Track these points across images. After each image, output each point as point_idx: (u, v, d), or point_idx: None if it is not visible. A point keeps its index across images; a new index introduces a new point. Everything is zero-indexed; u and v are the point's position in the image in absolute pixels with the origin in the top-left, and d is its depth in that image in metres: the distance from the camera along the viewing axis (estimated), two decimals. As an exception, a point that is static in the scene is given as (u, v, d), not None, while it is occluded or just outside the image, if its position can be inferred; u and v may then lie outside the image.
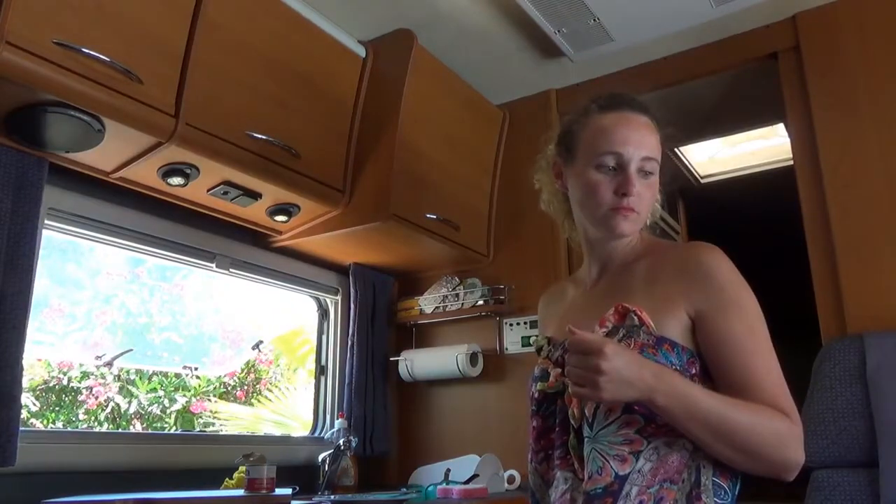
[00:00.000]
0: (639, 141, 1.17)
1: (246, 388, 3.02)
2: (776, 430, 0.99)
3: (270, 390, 3.12)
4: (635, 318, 1.06)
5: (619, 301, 1.09)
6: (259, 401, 3.06)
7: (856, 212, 2.04)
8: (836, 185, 2.09)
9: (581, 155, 1.22)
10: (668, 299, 1.09)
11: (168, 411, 2.64)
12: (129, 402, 2.54)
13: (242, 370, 3.02)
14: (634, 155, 1.16)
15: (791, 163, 2.26)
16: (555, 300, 1.39)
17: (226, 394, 2.93)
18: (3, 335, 1.53)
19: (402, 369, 2.62)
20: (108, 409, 2.48)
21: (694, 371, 1.05)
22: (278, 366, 3.20)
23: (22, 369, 1.56)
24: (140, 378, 2.59)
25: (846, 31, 2.16)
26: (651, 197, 1.19)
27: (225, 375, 2.95)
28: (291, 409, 3.09)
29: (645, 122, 1.21)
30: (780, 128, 3.06)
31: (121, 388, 2.53)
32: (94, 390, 2.45)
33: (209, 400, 2.83)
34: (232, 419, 2.91)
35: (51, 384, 2.37)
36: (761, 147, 3.39)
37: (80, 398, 2.43)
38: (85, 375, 2.44)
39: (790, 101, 2.25)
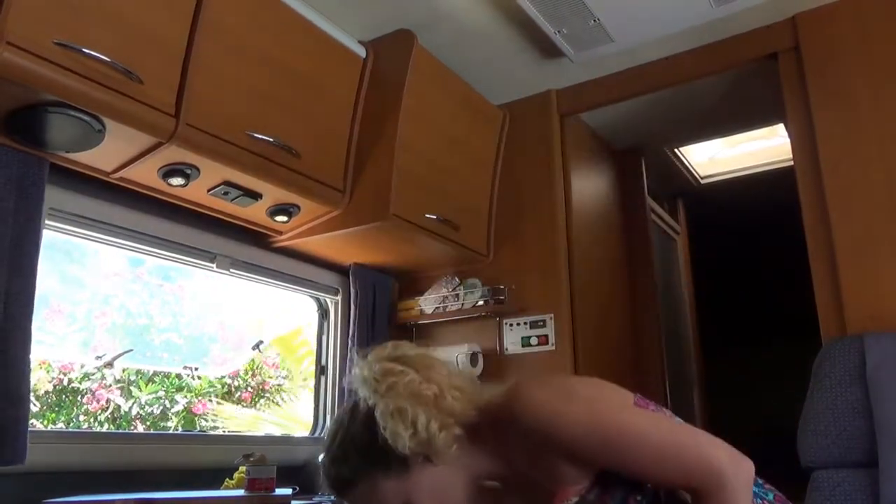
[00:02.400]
0: None
1: (251, 390, 3.02)
2: None
3: (279, 392, 3.11)
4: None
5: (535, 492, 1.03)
6: (267, 406, 3.06)
7: (856, 212, 2.04)
8: (836, 185, 2.09)
9: None
10: (549, 467, 1.01)
11: (170, 412, 2.64)
12: (131, 405, 2.54)
13: (247, 371, 3.01)
14: None
15: (791, 163, 2.26)
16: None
17: (228, 394, 2.93)
18: (9, 335, 1.53)
19: (402, 369, 2.61)
20: (109, 411, 2.48)
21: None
22: (286, 371, 3.19)
23: (29, 368, 1.57)
24: (141, 378, 2.58)
25: (846, 31, 2.16)
26: (421, 499, 1.03)
27: (227, 376, 2.95)
28: (294, 413, 3.08)
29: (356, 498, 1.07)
30: (780, 128, 3.06)
31: (122, 389, 2.53)
32: (97, 393, 2.45)
33: (210, 400, 2.83)
34: (231, 419, 2.91)
35: (51, 384, 2.37)
36: (761, 147, 3.39)
37: (83, 400, 2.43)
38: (85, 376, 2.44)
39: (790, 102, 2.25)
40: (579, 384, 1.09)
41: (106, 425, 2.46)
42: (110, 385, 2.51)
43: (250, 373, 3.03)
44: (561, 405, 0.99)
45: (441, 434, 1.01)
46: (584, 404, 1.00)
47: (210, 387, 2.86)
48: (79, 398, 2.44)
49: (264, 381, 3.06)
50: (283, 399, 3.12)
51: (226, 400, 2.91)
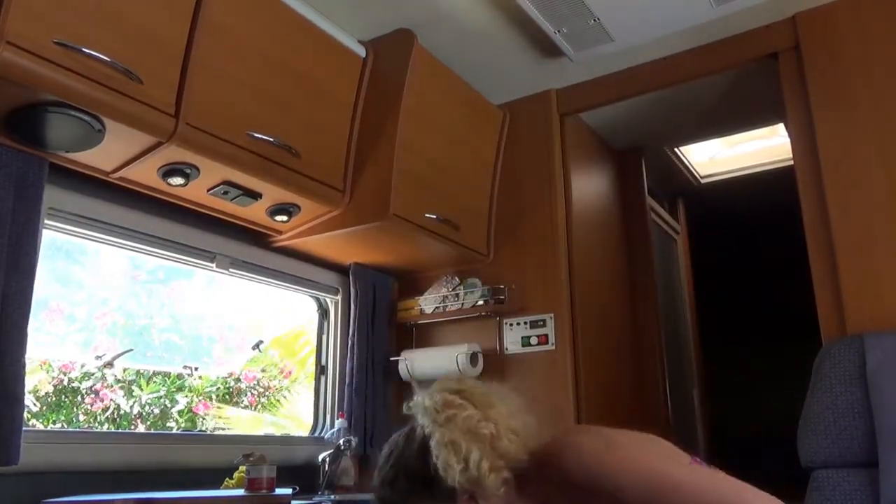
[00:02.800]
0: None
1: (257, 393, 3.01)
2: None
3: (284, 396, 3.11)
4: None
5: None
6: (271, 406, 3.05)
7: (856, 212, 2.04)
8: (836, 185, 2.09)
9: None
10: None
11: (170, 412, 2.64)
12: (132, 405, 2.53)
13: (258, 381, 3.01)
14: None
15: (791, 163, 2.26)
16: None
17: (229, 395, 2.93)
18: (5, 335, 1.53)
19: (402, 369, 2.62)
20: (109, 411, 2.48)
21: None
22: (294, 378, 3.19)
23: (24, 368, 1.56)
24: (141, 378, 2.58)
25: (846, 30, 2.16)
26: None
27: (228, 376, 2.95)
28: (295, 414, 3.08)
29: None
30: (780, 128, 3.06)
31: (123, 389, 2.53)
32: (101, 393, 2.45)
33: (210, 399, 2.83)
34: (231, 420, 2.91)
35: (52, 384, 2.37)
36: (761, 147, 3.39)
37: (86, 400, 2.43)
38: (86, 376, 2.44)
39: (790, 101, 2.25)
40: (630, 435, 1.09)
41: (106, 425, 2.46)
42: (112, 385, 2.51)
43: (257, 377, 3.03)
44: (615, 454, 1.01)
45: (491, 475, 1.03)
46: (636, 454, 1.02)
47: (211, 386, 2.86)
48: (79, 398, 2.44)
49: (269, 386, 3.06)
50: (284, 398, 3.12)
51: (226, 403, 2.91)
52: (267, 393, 3.03)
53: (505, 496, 1.06)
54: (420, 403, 1.14)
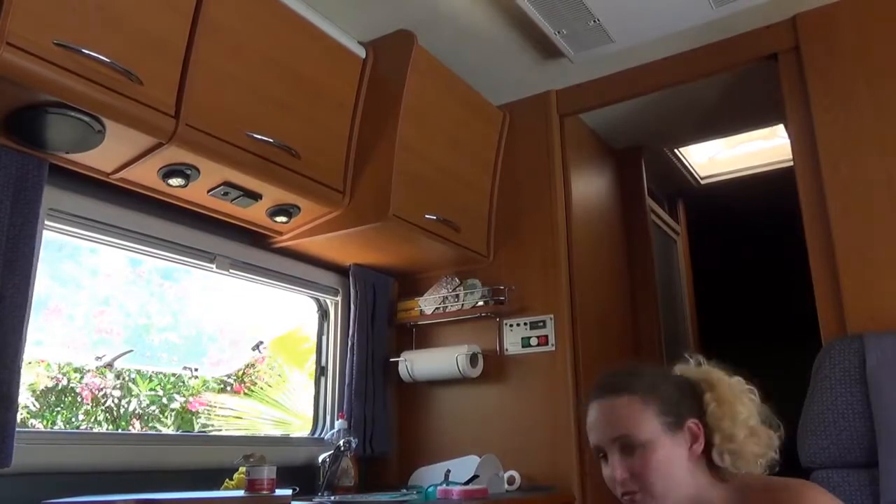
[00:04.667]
0: (604, 425, 1.18)
1: (244, 383, 3.02)
2: None
3: (269, 384, 3.12)
4: None
5: None
6: (257, 390, 3.06)
7: (856, 212, 2.04)
8: (836, 185, 2.09)
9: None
10: None
11: (166, 411, 2.64)
12: (129, 402, 2.54)
13: (240, 371, 3.02)
14: (605, 440, 1.17)
15: (791, 163, 2.26)
16: None
17: (222, 390, 2.93)
18: (2, 336, 1.52)
19: (402, 370, 2.62)
20: (105, 405, 2.48)
21: None
22: (275, 367, 3.20)
23: (20, 370, 1.56)
24: (140, 377, 2.59)
25: (846, 31, 2.16)
26: (654, 468, 1.11)
27: (226, 376, 2.95)
28: (291, 405, 3.09)
29: (607, 404, 1.19)
30: (780, 128, 3.06)
31: (121, 388, 2.53)
32: (89, 383, 2.45)
33: (206, 392, 2.83)
34: (228, 413, 2.91)
35: (51, 385, 2.37)
36: (761, 148, 3.39)
37: (79, 392, 2.43)
38: (82, 374, 2.45)
39: (790, 102, 2.25)
40: None
41: (105, 425, 2.46)
42: (108, 383, 2.51)
43: (242, 370, 3.04)
44: None
45: (748, 451, 1.15)
46: None
47: (204, 385, 2.86)
48: (79, 398, 2.44)
49: (256, 375, 3.07)
50: (269, 384, 3.12)
51: (221, 392, 2.92)
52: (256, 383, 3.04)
53: (707, 473, 1.15)
54: (715, 367, 1.28)
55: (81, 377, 2.44)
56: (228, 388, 2.96)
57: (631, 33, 2.30)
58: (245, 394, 3.02)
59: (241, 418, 3.02)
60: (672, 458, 1.13)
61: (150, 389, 2.61)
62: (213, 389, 2.89)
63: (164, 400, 2.65)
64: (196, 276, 2.57)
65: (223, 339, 2.94)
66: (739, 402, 1.20)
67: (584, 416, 1.23)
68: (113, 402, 2.49)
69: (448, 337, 2.66)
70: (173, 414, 2.67)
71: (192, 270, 2.34)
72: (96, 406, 2.46)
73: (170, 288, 2.71)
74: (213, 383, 2.90)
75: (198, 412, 2.78)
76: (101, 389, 2.47)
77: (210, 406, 2.85)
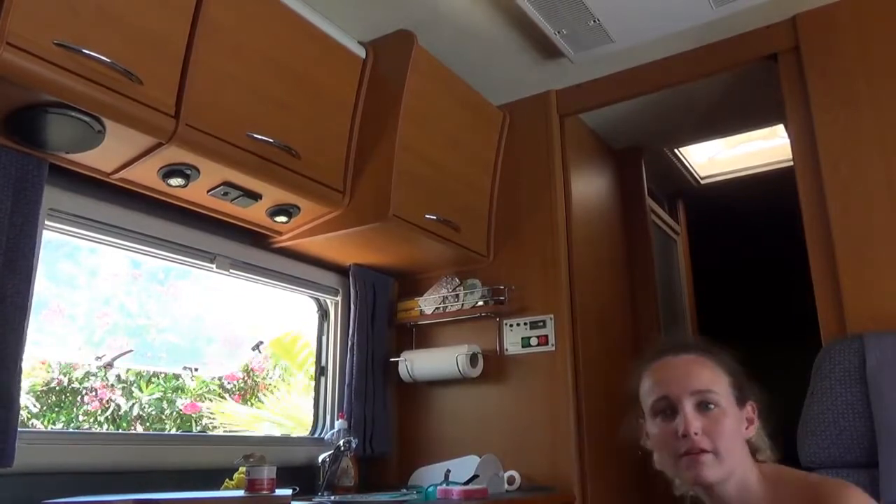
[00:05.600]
0: (683, 377, 1.14)
1: (244, 392, 3.02)
2: None
3: (271, 392, 3.12)
4: None
5: None
6: (260, 401, 3.06)
7: (856, 212, 2.04)
8: (836, 185, 2.09)
9: (645, 411, 1.19)
10: None
11: (164, 414, 2.64)
12: (132, 406, 2.54)
13: (242, 378, 3.02)
14: (681, 391, 1.12)
15: (791, 163, 2.26)
16: None
17: (222, 398, 2.93)
18: (2, 336, 1.52)
19: (402, 370, 2.62)
20: (109, 411, 2.48)
21: None
22: (278, 367, 3.19)
23: (21, 370, 1.56)
24: (141, 379, 2.59)
25: (846, 31, 2.16)
26: (728, 432, 1.10)
27: (224, 378, 2.95)
28: (289, 411, 3.08)
29: (690, 360, 1.17)
30: (780, 128, 3.06)
31: (123, 390, 2.53)
32: (99, 392, 2.45)
33: (209, 400, 2.83)
34: (228, 416, 2.91)
35: (51, 384, 2.37)
36: (761, 148, 3.39)
37: (85, 399, 2.43)
38: (86, 377, 2.45)
39: (790, 102, 2.25)
40: None
41: (106, 426, 2.46)
42: (112, 385, 2.51)
43: (243, 376, 3.04)
44: None
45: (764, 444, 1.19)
46: None
47: (205, 387, 2.86)
48: (79, 398, 2.44)
49: (257, 383, 3.07)
50: (274, 397, 3.12)
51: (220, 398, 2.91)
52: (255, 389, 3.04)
53: (753, 461, 1.15)
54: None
55: (81, 381, 2.43)
56: (230, 397, 2.96)
57: (631, 33, 2.30)
58: (252, 404, 3.02)
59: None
60: (737, 430, 1.12)
61: (152, 394, 2.61)
62: (214, 393, 2.89)
63: (164, 403, 2.65)
64: (196, 276, 2.57)
65: (223, 339, 2.95)
66: None
67: (643, 375, 1.20)
68: (115, 405, 2.50)
69: (448, 337, 2.66)
70: (174, 416, 2.67)
71: (193, 270, 2.34)
72: (103, 413, 2.46)
73: (170, 287, 2.71)
74: (214, 385, 2.90)
75: (199, 417, 2.78)
76: (109, 401, 2.47)
77: (211, 413, 2.85)
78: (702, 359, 1.16)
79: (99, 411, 2.46)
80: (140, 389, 2.58)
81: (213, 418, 2.85)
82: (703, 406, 1.11)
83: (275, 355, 3.19)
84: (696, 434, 1.07)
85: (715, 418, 1.09)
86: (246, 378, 3.04)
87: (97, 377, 2.47)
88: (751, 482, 1.11)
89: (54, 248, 2.14)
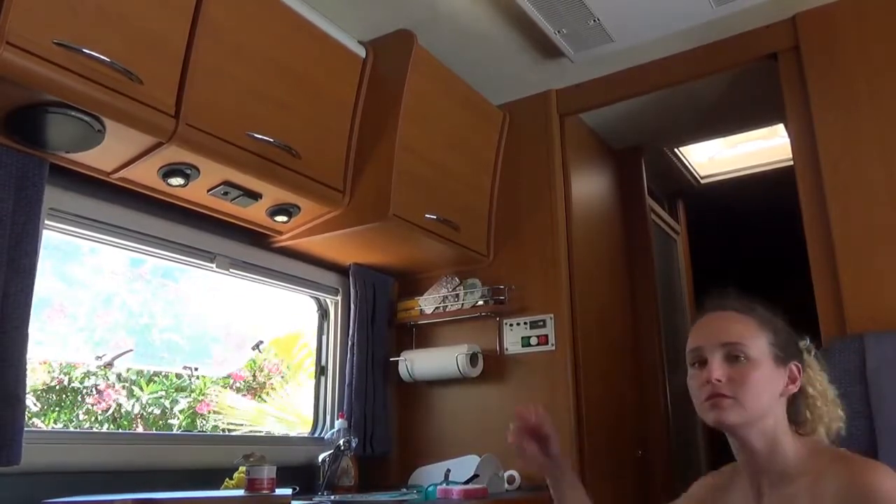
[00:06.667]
0: (716, 331, 1.19)
1: (254, 390, 3.02)
2: None
3: (274, 388, 3.12)
4: None
5: None
6: (267, 394, 3.06)
7: (856, 212, 2.04)
8: (836, 185, 2.09)
9: (687, 365, 1.24)
10: None
11: (170, 412, 2.64)
12: (133, 404, 2.54)
13: (250, 375, 3.02)
14: (711, 344, 1.17)
15: (791, 163, 2.26)
16: (722, 491, 1.27)
17: (233, 385, 2.94)
18: (6, 335, 1.53)
19: (402, 369, 2.62)
20: (110, 411, 2.48)
21: None
22: (287, 368, 3.20)
23: (25, 368, 1.56)
24: (142, 378, 2.59)
25: (846, 31, 2.16)
26: (754, 382, 1.13)
27: (229, 377, 2.95)
28: (295, 408, 3.09)
29: (725, 315, 1.21)
30: (780, 128, 3.06)
31: (125, 389, 2.53)
32: (105, 393, 2.46)
33: (217, 394, 2.83)
34: (235, 412, 2.91)
35: (52, 384, 2.37)
36: (761, 147, 3.39)
37: (89, 400, 2.43)
38: (86, 376, 2.45)
39: (790, 102, 2.25)
40: None
41: (106, 425, 2.46)
42: (113, 384, 2.51)
43: (252, 373, 3.04)
44: None
45: (829, 414, 1.23)
46: None
47: (210, 385, 2.86)
48: (79, 398, 2.44)
49: (265, 383, 3.07)
50: (281, 393, 3.12)
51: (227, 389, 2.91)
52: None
53: (787, 421, 1.17)
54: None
55: (81, 380, 2.44)
56: (235, 389, 2.96)
57: (631, 33, 2.30)
58: (259, 398, 3.02)
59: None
60: (768, 383, 1.15)
61: (153, 392, 2.61)
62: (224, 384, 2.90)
63: (167, 403, 2.64)
64: (196, 275, 2.57)
65: (224, 339, 2.95)
66: (824, 376, 1.26)
67: (691, 332, 1.24)
68: (115, 404, 2.50)
69: (448, 336, 2.66)
70: (182, 414, 2.67)
71: (193, 270, 2.34)
72: (105, 412, 2.47)
73: (170, 287, 2.71)
74: (221, 383, 2.90)
75: (205, 415, 2.78)
76: (115, 403, 2.47)
77: (219, 407, 2.85)
78: (738, 315, 1.20)
79: (100, 411, 2.46)
80: (140, 388, 2.58)
81: (221, 413, 2.85)
82: (731, 358, 1.15)
83: (279, 355, 3.19)
84: (718, 381, 1.13)
85: (742, 370, 1.14)
86: (255, 376, 3.03)
87: (97, 376, 2.46)
88: (783, 441, 1.15)
89: (54, 248, 2.14)
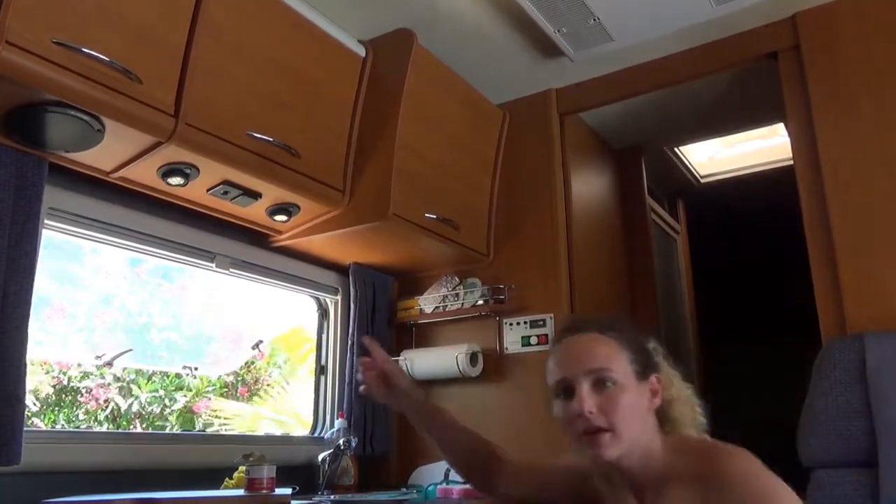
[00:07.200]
0: (581, 357, 1.16)
1: (248, 385, 3.02)
2: None
3: (270, 386, 3.12)
4: None
5: None
6: (261, 397, 3.06)
7: (856, 212, 2.04)
8: (836, 185, 2.09)
9: (551, 394, 1.21)
10: None
11: (166, 412, 2.64)
12: (130, 403, 2.54)
13: (241, 368, 3.02)
14: (577, 372, 1.15)
15: (791, 163, 2.26)
16: (611, 480, 1.26)
17: (227, 392, 2.93)
18: (6, 335, 1.53)
19: (401, 369, 2.62)
20: (108, 410, 2.48)
21: None
22: (277, 366, 3.19)
23: (25, 368, 1.56)
24: (141, 377, 2.58)
25: (846, 30, 2.16)
26: (624, 407, 1.12)
27: (228, 374, 2.95)
28: (292, 408, 3.08)
29: (589, 338, 1.18)
30: (780, 127, 3.06)
31: (121, 389, 2.53)
32: (94, 392, 2.45)
33: (209, 398, 2.83)
34: (232, 417, 2.91)
35: (51, 384, 2.37)
36: (761, 147, 3.39)
37: (81, 399, 2.43)
38: (85, 376, 2.45)
39: (790, 101, 2.25)
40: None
41: (105, 425, 2.46)
42: (109, 384, 2.51)
43: (245, 368, 3.04)
44: (776, 486, 1.05)
45: (688, 409, 1.25)
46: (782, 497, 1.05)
47: (209, 385, 2.86)
48: (79, 397, 2.44)
49: (258, 377, 3.06)
50: (276, 391, 3.12)
51: (223, 397, 2.91)
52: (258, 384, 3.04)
53: (655, 429, 1.18)
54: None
55: (81, 380, 2.43)
56: (233, 391, 2.96)
57: (631, 32, 2.30)
58: (251, 400, 3.02)
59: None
60: (637, 404, 1.15)
61: (152, 391, 2.61)
62: (217, 392, 2.89)
63: (167, 401, 2.64)
64: (196, 275, 2.57)
65: (224, 339, 2.94)
66: (677, 376, 1.29)
67: (549, 358, 1.22)
68: (114, 404, 2.50)
69: (448, 336, 2.66)
70: (175, 414, 2.67)
71: (192, 270, 2.34)
72: (101, 410, 2.46)
73: (166, 287, 2.71)
74: (217, 383, 2.89)
75: (201, 414, 2.77)
76: (107, 401, 2.47)
77: (214, 411, 2.84)
78: (598, 336, 1.18)
79: (99, 410, 2.46)
80: (139, 387, 2.58)
81: (216, 415, 2.85)
82: (599, 384, 1.14)
83: (273, 353, 3.19)
84: (590, 413, 1.11)
85: (611, 396, 1.12)
86: (247, 371, 3.03)
87: (96, 376, 2.46)
88: (654, 452, 1.15)
89: (55, 248, 2.14)
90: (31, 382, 1.92)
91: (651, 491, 1.15)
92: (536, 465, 1.46)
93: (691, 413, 1.25)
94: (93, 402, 2.44)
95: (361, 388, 1.44)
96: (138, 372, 2.58)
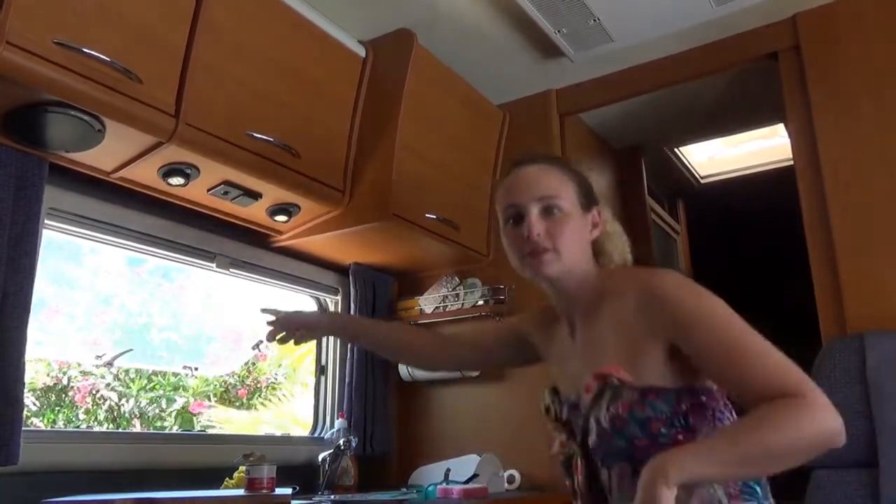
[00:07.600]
0: (531, 185, 1.23)
1: (248, 386, 3.02)
2: (790, 421, 1.03)
3: (274, 389, 3.11)
4: (615, 379, 1.11)
5: (595, 356, 1.17)
6: (263, 404, 3.06)
7: (856, 212, 2.04)
8: (836, 185, 2.09)
9: (500, 220, 1.29)
10: (636, 341, 1.13)
11: (166, 412, 2.64)
12: (127, 401, 2.54)
13: (242, 369, 3.01)
14: (528, 199, 1.22)
15: (791, 163, 2.26)
16: (547, 326, 1.39)
17: (226, 392, 2.92)
18: (5, 335, 1.53)
19: (402, 369, 2.62)
20: (105, 407, 2.48)
21: (685, 407, 1.10)
22: (279, 366, 3.19)
23: (24, 368, 1.56)
24: (139, 376, 2.58)
25: (846, 30, 2.16)
26: (569, 233, 1.20)
27: (227, 374, 2.95)
28: (292, 414, 3.08)
29: (537, 169, 1.26)
30: (780, 128, 3.06)
31: (120, 389, 2.53)
32: (81, 385, 2.45)
33: (207, 399, 2.83)
34: (227, 423, 2.91)
35: (51, 384, 2.37)
36: (761, 147, 3.39)
37: (76, 399, 2.43)
38: (85, 376, 2.45)
39: (790, 101, 2.25)
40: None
41: (105, 424, 2.46)
42: (109, 384, 2.51)
43: (245, 369, 3.03)
44: (703, 295, 1.13)
45: (619, 243, 1.32)
46: (721, 309, 1.14)
47: (206, 385, 2.86)
48: (73, 396, 2.44)
49: (259, 379, 3.06)
50: (277, 397, 3.11)
51: (222, 403, 2.91)
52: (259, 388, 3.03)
53: (591, 261, 1.26)
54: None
55: (75, 378, 2.44)
56: (232, 392, 2.95)
57: (631, 32, 2.30)
58: (252, 405, 3.02)
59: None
60: (579, 232, 1.23)
61: (150, 390, 2.60)
62: (216, 393, 2.89)
63: (164, 402, 2.64)
64: (196, 275, 2.57)
65: (224, 339, 2.94)
66: (608, 212, 1.35)
67: (499, 188, 1.29)
68: (112, 402, 2.49)
69: (448, 336, 2.66)
70: (174, 414, 2.67)
71: (192, 269, 2.34)
72: (95, 406, 2.46)
73: (169, 287, 2.71)
74: (215, 383, 2.89)
75: (199, 415, 2.77)
76: (95, 390, 2.46)
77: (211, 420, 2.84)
78: (548, 167, 1.26)
79: (99, 409, 2.46)
80: (135, 385, 2.57)
81: (214, 423, 2.85)
82: (547, 211, 1.21)
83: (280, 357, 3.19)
84: (538, 235, 1.19)
85: (558, 221, 1.20)
86: (247, 373, 3.03)
87: (95, 376, 2.46)
88: (589, 276, 1.24)
89: (56, 248, 2.14)
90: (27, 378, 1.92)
91: (581, 312, 1.24)
92: (479, 340, 1.63)
93: (622, 247, 1.33)
94: (79, 397, 2.44)
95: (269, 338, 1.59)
96: (137, 372, 2.58)
